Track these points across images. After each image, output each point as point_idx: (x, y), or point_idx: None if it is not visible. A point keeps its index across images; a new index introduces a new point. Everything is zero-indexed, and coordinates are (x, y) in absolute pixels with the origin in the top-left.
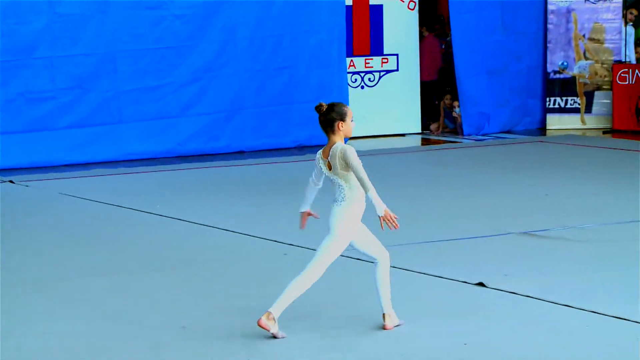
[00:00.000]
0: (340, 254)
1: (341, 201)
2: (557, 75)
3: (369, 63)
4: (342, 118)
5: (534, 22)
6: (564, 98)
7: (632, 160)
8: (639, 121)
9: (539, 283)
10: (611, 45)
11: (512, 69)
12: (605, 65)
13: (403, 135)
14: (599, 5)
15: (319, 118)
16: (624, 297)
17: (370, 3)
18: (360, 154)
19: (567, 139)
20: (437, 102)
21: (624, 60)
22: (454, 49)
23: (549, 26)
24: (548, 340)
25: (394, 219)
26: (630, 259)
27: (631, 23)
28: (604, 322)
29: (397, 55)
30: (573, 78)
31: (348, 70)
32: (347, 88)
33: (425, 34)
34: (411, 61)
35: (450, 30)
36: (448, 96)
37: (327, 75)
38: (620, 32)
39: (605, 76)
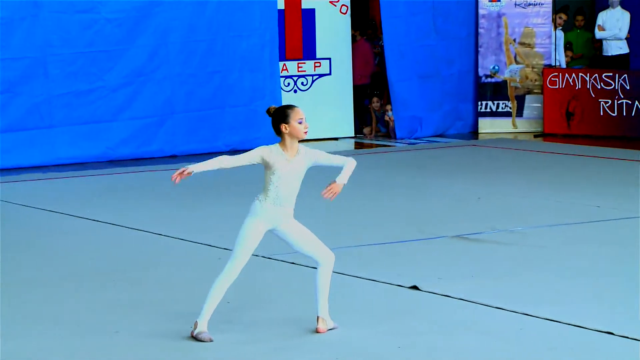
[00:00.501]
0: (250, 235)
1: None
2: (489, 80)
3: (301, 67)
4: (286, 121)
5: (465, 26)
6: (496, 102)
7: (562, 164)
8: (570, 124)
9: (472, 286)
10: (541, 50)
11: (444, 73)
12: (535, 69)
13: (336, 139)
14: (529, 10)
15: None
16: (554, 299)
17: (303, 7)
18: None
19: (499, 142)
20: (370, 106)
21: (554, 64)
22: (385, 53)
23: (480, 30)
24: (481, 342)
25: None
26: (559, 261)
27: (560, 27)
28: (536, 324)
29: (329, 59)
30: (504, 82)
31: (281, 74)
32: (280, 92)
33: (358, 37)
34: (344, 65)
35: (381, 33)
36: (375, 99)
37: (260, 79)
38: (550, 37)
39: (535, 80)
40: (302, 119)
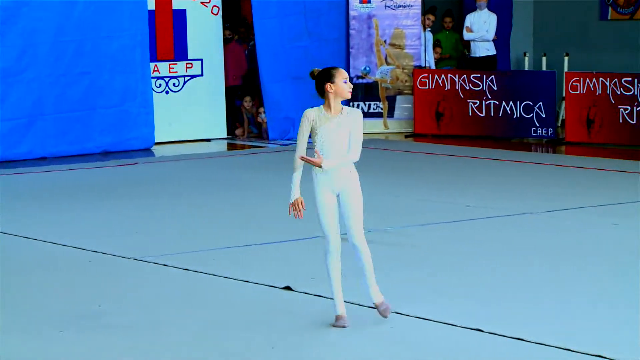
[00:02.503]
0: (324, 204)
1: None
2: (360, 80)
3: (173, 68)
4: (330, 79)
5: (337, 28)
6: (367, 102)
7: (433, 164)
8: (439, 125)
9: (345, 285)
10: (411, 51)
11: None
12: (406, 71)
13: (209, 140)
14: (399, 11)
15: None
16: (426, 297)
17: (174, 8)
18: (166, 159)
19: (371, 143)
20: (242, 107)
21: (423, 65)
22: (258, 54)
23: (351, 32)
24: (352, 340)
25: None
26: (431, 260)
27: (429, 29)
28: (408, 322)
29: (201, 60)
30: (375, 83)
31: (152, 75)
32: (152, 93)
33: (230, 38)
34: (216, 66)
35: (253, 33)
36: (247, 99)
37: (131, 80)
38: (419, 38)
39: (406, 81)
40: (346, 79)
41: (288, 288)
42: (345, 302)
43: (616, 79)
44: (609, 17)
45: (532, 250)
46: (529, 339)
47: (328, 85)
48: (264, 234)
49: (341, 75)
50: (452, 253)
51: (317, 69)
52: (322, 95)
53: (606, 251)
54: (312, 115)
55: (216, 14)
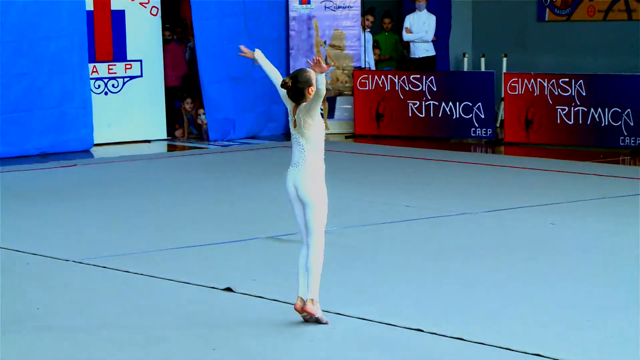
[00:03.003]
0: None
1: (302, 164)
2: None
3: (112, 69)
4: (310, 84)
5: (277, 28)
6: None
7: (373, 164)
8: (379, 125)
9: (286, 287)
10: (351, 52)
11: (256, 75)
12: (346, 71)
13: (149, 141)
14: (339, 12)
15: (288, 93)
16: (365, 298)
17: (112, 8)
18: (105, 161)
19: None
20: (181, 108)
21: (363, 66)
22: (197, 55)
23: (291, 33)
24: (292, 342)
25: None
26: (371, 261)
27: (369, 30)
28: (348, 322)
29: (140, 61)
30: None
31: (91, 76)
32: (90, 94)
33: (169, 39)
34: (155, 67)
35: (192, 34)
36: (188, 100)
37: (69, 81)
38: (359, 39)
39: (346, 82)
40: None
41: (229, 289)
42: (284, 302)
43: (554, 80)
44: (547, 19)
45: (471, 250)
46: (469, 338)
47: (309, 89)
48: (205, 235)
49: (314, 75)
50: (392, 253)
51: (286, 78)
52: (300, 101)
53: (544, 250)
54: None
55: (155, 15)
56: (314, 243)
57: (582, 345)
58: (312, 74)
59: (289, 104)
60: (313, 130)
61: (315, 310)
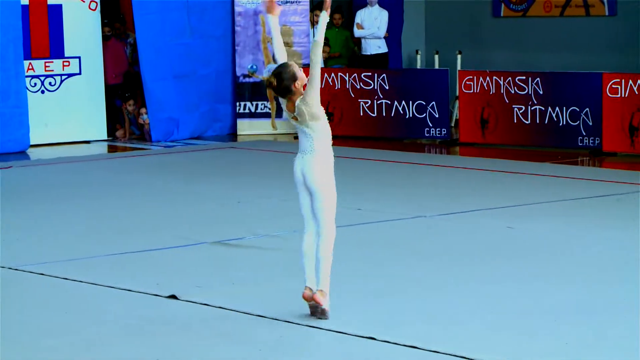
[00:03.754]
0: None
1: (310, 152)
2: (247, 79)
3: (49, 66)
4: (295, 78)
5: (222, 24)
6: (254, 102)
7: None
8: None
9: (232, 294)
10: (300, 49)
11: (200, 73)
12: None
13: (88, 142)
14: (287, 7)
15: (275, 91)
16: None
17: (49, 3)
18: (42, 162)
19: (258, 144)
20: (123, 107)
21: (308, 64)
22: (139, 51)
23: (237, 29)
24: (240, 351)
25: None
26: None
27: (317, 25)
28: (297, 330)
29: (79, 57)
30: (263, 82)
31: (26, 74)
32: (26, 92)
33: (109, 35)
34: (94, 64)
35: (133, 30)
36: (131, 101)
37: (4, 79)
38: (308, 35)
39: None
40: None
41: (173, 297)
42: (230, 310)
43: (510, 78)
44: (502, 14)
45: (426, 254)
46: (423, 346)
47: (295, 84)
48: (149, 240)
49: (297, 67)
50: (343, 259)
51: (269, 77)
52: (288, 97)
53: (501, 254)
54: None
55: (94, 10)
56: (325, 233)
57: (534, 351)
58: (294, 67)
59: (280, 99)
60: (320, 122)
61: (324, 302)
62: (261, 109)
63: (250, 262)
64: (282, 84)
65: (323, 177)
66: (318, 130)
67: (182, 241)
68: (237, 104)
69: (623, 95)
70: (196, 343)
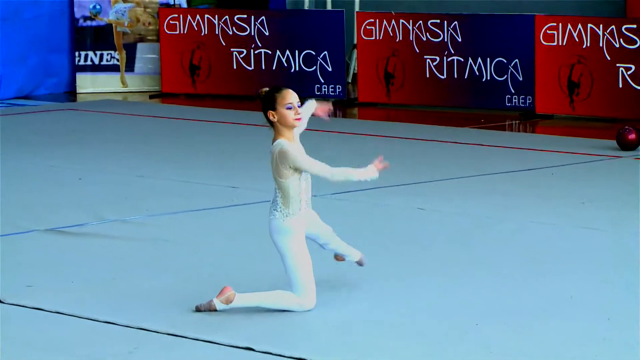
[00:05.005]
0: (306, 254)
1: (274, 211)
2: (88, 23)
3: None
4: (271, 106)
5: None
6: (98, 52)
7: (188, 133)
8: (195, 81)
9: (71, 295)
10: None
11: (27, 16)
12: (149, 10)
13: None
14: None
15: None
16: (180, 310)
17: None
18: None
19: (105, 105)
20: None
21: (172, 3)
22: None
23: None
24: None
25: (381, 162)
26: (185, 258)
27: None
28: (154, 340)
29: None
30: (109, 26)
31: None
32: None
33: None
34: None
35: None
36: None
37: None
38: None
39: (149, 24)
40: (291, 103)
41: None
42: (70, 315)
43: (421, 22)
44: None
45: (310, 243)
46: (310, 357)
47: (270, 114)
48: None
49: (284, 100)
50: (212, 247)
51: (265, 89)
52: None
53: (410, 241)
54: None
55: None
56: (298, 293)
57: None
58: (282, 97)
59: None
60: (287, 181)
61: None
62: (107, 61)
63: (94, 254)
64: (262, 105)
65: (283, 240)
66: (282, 188)
67: (6, 229)
68: (76, 54)
69: (560, 43)
70: (27, 358)
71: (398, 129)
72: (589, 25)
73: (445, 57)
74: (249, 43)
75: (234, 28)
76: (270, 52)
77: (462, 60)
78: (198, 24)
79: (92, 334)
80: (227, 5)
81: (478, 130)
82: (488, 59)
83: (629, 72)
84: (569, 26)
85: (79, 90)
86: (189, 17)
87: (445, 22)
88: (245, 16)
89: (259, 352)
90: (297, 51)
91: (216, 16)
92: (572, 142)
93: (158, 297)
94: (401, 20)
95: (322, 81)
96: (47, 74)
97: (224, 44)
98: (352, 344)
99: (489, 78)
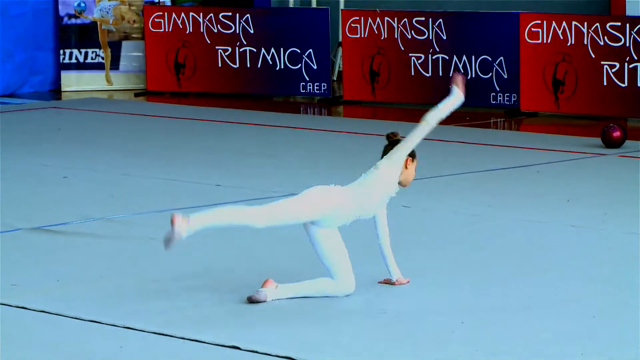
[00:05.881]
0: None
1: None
2: (73, 21)
3: None
4: (413, 155)
5: None
6: (83, 50)
7: (171, 131)
8: (180, 80)
9: (56, 294)
10: None
11: (13, 12)
12: (134, 8)
13: None
14: None
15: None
16: (163, 308)
17: None
18: None
19: (89, 103)
20: None
21: (157, 1)
22: None
23: None
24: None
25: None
26: (176, 259)
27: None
28: (140, 338)
29: None
30: (94, 24)
31: None
32: None
33: None
34: None
35: None
36: None
37: None
38: None
39: (134, 22)
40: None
41: None
42: (56, 315)
43: (406, 19)
44: None
45: (293, 241)
46: (297, 357)
47: (409, 160)
48: None
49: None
50: (199, 245)
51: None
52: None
53: (396, 240)
54: None
55: None
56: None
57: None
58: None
59: None
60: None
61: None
62: (92, 59)
63: (79, 253)
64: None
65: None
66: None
67: None
68: (61, 52)
69: (545, 41)
70: (12, 357)
71: (383, 126)
72: (574, 23)
73: (430, 55)
74: (234, 41)
75: (218, 26)
76: (255, 50)
77: (446, 57)
78: (183, 22)
79: (77, 333)
80: (212, 3)
81: (463, 128)
82: (473, 57)
83: (613, 70)
84: (554, 24)
85: (63, 88)
86: (174, 14)
87: (430, 19)
88: (230, 14)
89: (245, 350)
90: (282, 49)
91: (201, 14)
92: (557, 139)
93: (144, 296)
94: (386, 18)
95: (307, 79)
96: (31, 72)
97: (209, 42)
98: (339, 343)
99: (473, 76)
